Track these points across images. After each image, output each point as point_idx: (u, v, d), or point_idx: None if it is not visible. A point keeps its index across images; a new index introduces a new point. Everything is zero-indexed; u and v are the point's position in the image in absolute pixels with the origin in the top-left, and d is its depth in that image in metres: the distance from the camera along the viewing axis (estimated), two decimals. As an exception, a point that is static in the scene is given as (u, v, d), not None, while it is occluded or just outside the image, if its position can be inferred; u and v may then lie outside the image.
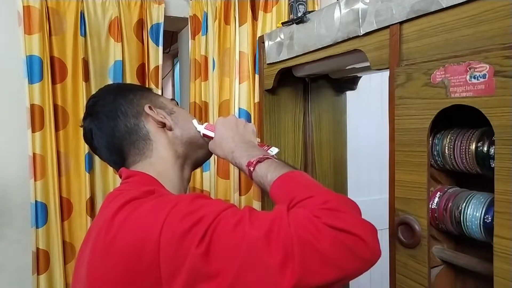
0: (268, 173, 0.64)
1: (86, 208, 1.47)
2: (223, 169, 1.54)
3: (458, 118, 0.72)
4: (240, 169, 0.73)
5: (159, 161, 0.73)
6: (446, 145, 0.73)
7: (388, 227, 0.80)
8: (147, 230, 0.53)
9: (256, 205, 1.46)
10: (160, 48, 1.62)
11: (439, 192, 0.76)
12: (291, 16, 1.16)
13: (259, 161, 0.66)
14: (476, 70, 0.62)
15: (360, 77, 1.31)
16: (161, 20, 1.62)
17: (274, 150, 0.79)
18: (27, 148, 1.39)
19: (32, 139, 1.38)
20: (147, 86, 1.61)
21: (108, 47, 1.54)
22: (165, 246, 0.51)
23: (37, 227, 1.39)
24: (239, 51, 1.47)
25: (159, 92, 1.62)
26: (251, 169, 0.67)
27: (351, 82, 1.35)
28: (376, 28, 0.81)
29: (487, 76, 0.61)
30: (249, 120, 1.45)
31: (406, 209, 0.76)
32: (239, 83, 1.46)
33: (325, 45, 0.97)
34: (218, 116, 1.53)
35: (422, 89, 0.71)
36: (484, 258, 0.68)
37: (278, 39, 1.18)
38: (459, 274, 0.80)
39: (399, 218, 0.77)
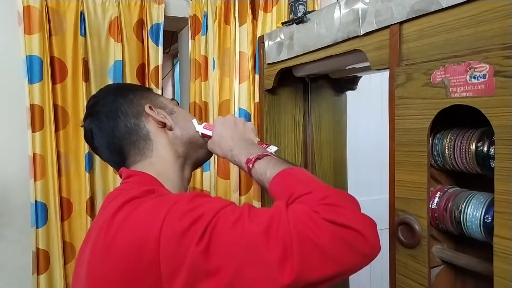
0: (267, 170, 0.64)
1: (86, 208, 1.47)
2: (223, 169, 1.54)
3: (458, 118, 0.72)
4: (239, 167, 0.73)
5: (159, 161, 0.73)
6: (446, 145, 0.73)
7: (388, 227, 0.80)
8: (147, 229, 0.53)
9: (256, 204, 1.46)
10: (160, 48, 1.62)
11: (439, 192, 0.76)
12: (291, 16, 1.16)
13: (258, 158, 0.67)
14: (476, 70, 0.62)
15: (360, 77, 1.31)
16: (161, 20, 1.62)
17: (273, 148, 0.79)
18: (27, 148, 1.39)
19: (32, 139, 1.38)
20: (147, 86, 1.61)
21: (108, 47, 1.54)
22: (165, 245, 0.51)
23: (37, 227, 1.39)
24: (239, 51, 1.47)
25: (159, 92, 1.62)
26: (250, 166, 0.67)
27: (351, 82, 1.35)
28: (376, 28, 0.81)
29: (487, 76, 0.61)
30: (248, 120, 1.45)
31: (406, 209, 0.76)
32: (239, 83, 1.46)
33: (325, 45, 0.97)
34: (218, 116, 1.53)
35: (422, 89, 0.71)
36: (484, 258, 0.68)
37: (278, 39, 1.18)
38: (459, 274, 0.80)
39: (399, 218, 0.77)
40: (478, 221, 0.67)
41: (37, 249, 1.39)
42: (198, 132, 0.78)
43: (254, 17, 1.49)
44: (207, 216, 0.52)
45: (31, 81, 1.38)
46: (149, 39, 1.61)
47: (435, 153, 0.75)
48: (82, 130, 0.78)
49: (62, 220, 1.45)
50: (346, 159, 1.42)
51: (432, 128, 0.72)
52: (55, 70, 1.44)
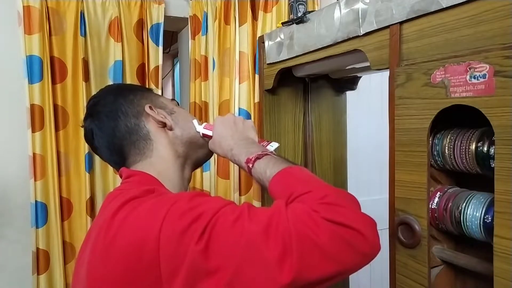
0: (267, 169, 0.64)
1: (86, 208, 1.47)
2: (223, 169, 1.54)
3: (458, 118, 0.72)
4: (240, 167, 0.73)
5: (159, 160, 0.73)
6: (446, 145, 0.73)
7: (388, 227, 0.80)
8: (147, 229, 0.53)
9: (256, 204, 1.46)
10: (160, 48, 1.62)
11: (439, 192, 0.76)
12: (291, 16, 1.16)
13: (257, 158, 0.67)
14: (476, 70, 0.62)
15: (360, 77, 1.31)
16: (161, 20, 1.62)
17: (274, 145, 0.79)
18: (27, 148, 1.39)
19: (32, 139, 1.38)
20: (147, 86, 1.61)
21: (108, 47, 1.54)
22: (164, 244, 0.51)
23: (37, 227, 1.39)
24: (239, 51, 1.47)
25: (159, 92, 1.62)
26: (250, 166, 0.67)
27: (351, 82, 1.35)
28: (376, 28, 0.81)
29: (487, 76, 0.61)
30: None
31: (406, 209, 0.76)
32: (239, 83, 1.46)
33: (325, 45, 0.97)
34: (218, 116, 1.53)
35: (422, 89, 0.71)
36: (484, 258, 0.68)
37: (278, 39, 1.18)
38: (459, 274, 0.80)
39: (399, 218, 0.77)
40: (478, 221, 0.67)
41: (37, 249, 1.39)
42: (199, 132, 0.78)
43: (254, 17, 1.49)
44: (206, 215, 0.52)
45: (31, 81, 1.38)
46: (149, 39, 1.61)
47: (435, 153, 0.75)
48: (82, 130, 0.78)
49: (62, 220, 1.45)
50: (346, 159, 1.42)
51: (432, 128, 0.72)
52: (55, 70, 1.44)
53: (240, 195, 1.51)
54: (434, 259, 0.76)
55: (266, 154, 0.67)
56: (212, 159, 1.54)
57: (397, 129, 0.77)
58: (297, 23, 1.08)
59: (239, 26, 1.48)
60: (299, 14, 1.09)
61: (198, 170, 1.62)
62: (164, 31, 1.65)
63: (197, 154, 0.80)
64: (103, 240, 0.57)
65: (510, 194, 0.58)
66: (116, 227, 0.56)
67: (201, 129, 0.78)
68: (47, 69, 1.40)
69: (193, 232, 0.50)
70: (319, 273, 0.48)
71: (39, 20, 1.37)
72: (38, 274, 1.40)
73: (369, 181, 1.78)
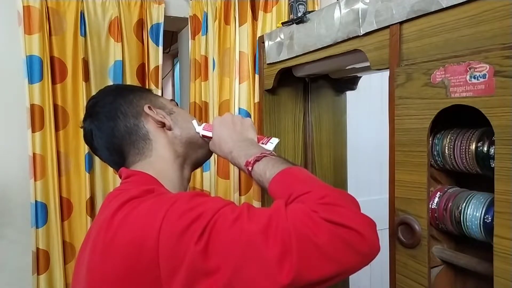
0: (266, 170, 0.64)
1: (86, 208, 1.47)
2: (223, 169, 1.54)
3: (458, 118, 0.72)
4: (240, 169, 0.73)
5: (158, 160, 0.73)
6: (446, 145, 0.72)
7: (388, 227, 0.80)
8: (146, 228, 0.53)
9: (256, 205, 1.46)
10: (160, 48, 1.62)
11: (439, 192, 0.76)
12: (291, 16, 1.16)
13: (257, 160, 0.66)
14: (476, 70, 0.62)
15: (360, 77, 1.31)
16: (161, 20, 1.62)
17: (274, 141, 0.78)
18: (27, 148, 1.39)
19: (32, 139, 1.38)
20: (147, 86, 1.61)
21: (108, 47, 1.54)
22: (164, 244, 0.51)
23: (37, 227, 1.39)
24: (239, 51, 1.47)
25: (159, 92, 1.62)
26: (250, 168, 0.67)
27: (351, 82, 1.35)
28: (376, 28, 0.81)
29: (487, 76, 0.61)
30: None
31: (406, 209, 0.76)
32: (239, 83, 1.46)
33: (325, 45, 0.97)
34: (218, 116, 1.53)
35: (422, 89, 0.71)
36: (484, 258, 0.68)
37: (278, 39, 1.18)
38: (459, 274, 0.79)
39: (399, 218, 0.77)
40: (478, 221, 0.67)
41: (37, 249, 1.39)
42: (199, 133, 0.78)
43: (254, 17, 1.49)
44: (206, 215, 0.52)
45: (31, 81, 1.38)
46: (149, 39, 1.61)
47: (435, 153, 0.75)
48: (82, 130, 0.78)
49: (62, 220, 1.45)
50: (346, 159, 1.42)
51: (432, 128, 0.72)
52: (55, 70, 1.44)
53: (240, 195, 1.51)
54: (434, 259, 0.76)
55: (265, 156, 0.67)
56: (212, 159, 1.54)
57: (397, 129, 0.77)
58: (297, 23, 1.08)
59: (239, 26, 1.48)
60: (299, 14, 1.09)
61: (198, 170, 1.62)
62: (164, 31, 1.65)
63: (197, 154, 0.80)
64: (102, 240, 0.57)
65: (510, 194, 0.58)
66: (116, 227, 0.56)
67: (200, 130, 0.78)
68: (47, 69, 1.40)
69: (192, 232, 0.50)
70: (318, 273, 0.48)
71: (39, 20, 1.38)
72: (38, 274, 1.40)
73: (369, 181, 1.78)
